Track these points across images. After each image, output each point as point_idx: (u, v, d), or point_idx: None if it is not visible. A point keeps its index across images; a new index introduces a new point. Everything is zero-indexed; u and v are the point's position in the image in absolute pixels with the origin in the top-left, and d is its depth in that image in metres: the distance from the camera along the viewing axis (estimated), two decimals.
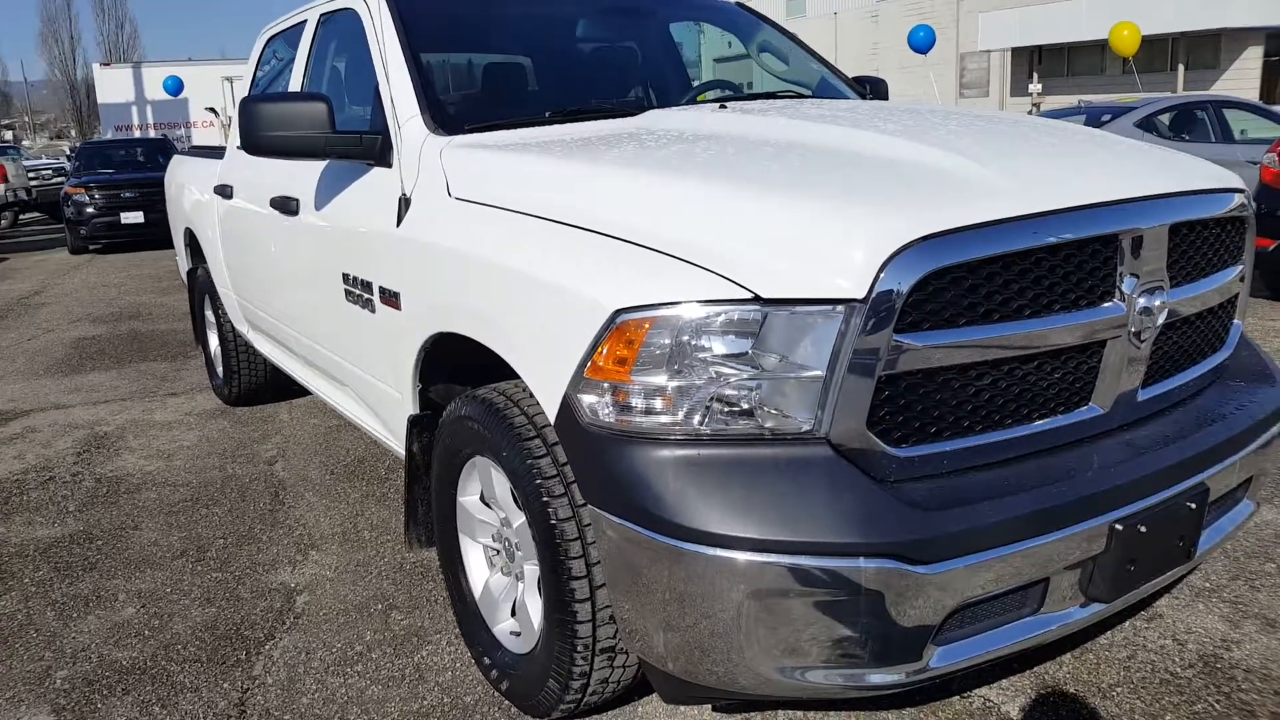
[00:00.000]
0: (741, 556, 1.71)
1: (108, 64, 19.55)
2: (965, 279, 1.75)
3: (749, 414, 1.76)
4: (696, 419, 1.77)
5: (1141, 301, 1.95)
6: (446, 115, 2.78)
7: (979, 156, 1.99)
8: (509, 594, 2.47)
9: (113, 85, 25.22)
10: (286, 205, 3.47)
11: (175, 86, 24.15)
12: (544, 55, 3.43)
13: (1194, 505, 2.04)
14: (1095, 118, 9.79)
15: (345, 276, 3.02)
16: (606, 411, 1.83)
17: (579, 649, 2.08)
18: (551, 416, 1.99)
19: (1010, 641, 1.90)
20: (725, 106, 2.65)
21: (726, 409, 1.76)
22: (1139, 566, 1.98)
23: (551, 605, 2.11)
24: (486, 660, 2.50)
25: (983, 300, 1.78)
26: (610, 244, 1.93)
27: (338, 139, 2.80)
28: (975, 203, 1.80)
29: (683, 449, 1.78)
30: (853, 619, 1.72)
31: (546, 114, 2.83)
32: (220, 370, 5.46)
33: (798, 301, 1.71)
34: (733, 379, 1.75)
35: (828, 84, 3.65)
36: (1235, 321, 2.47)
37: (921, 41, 18.22)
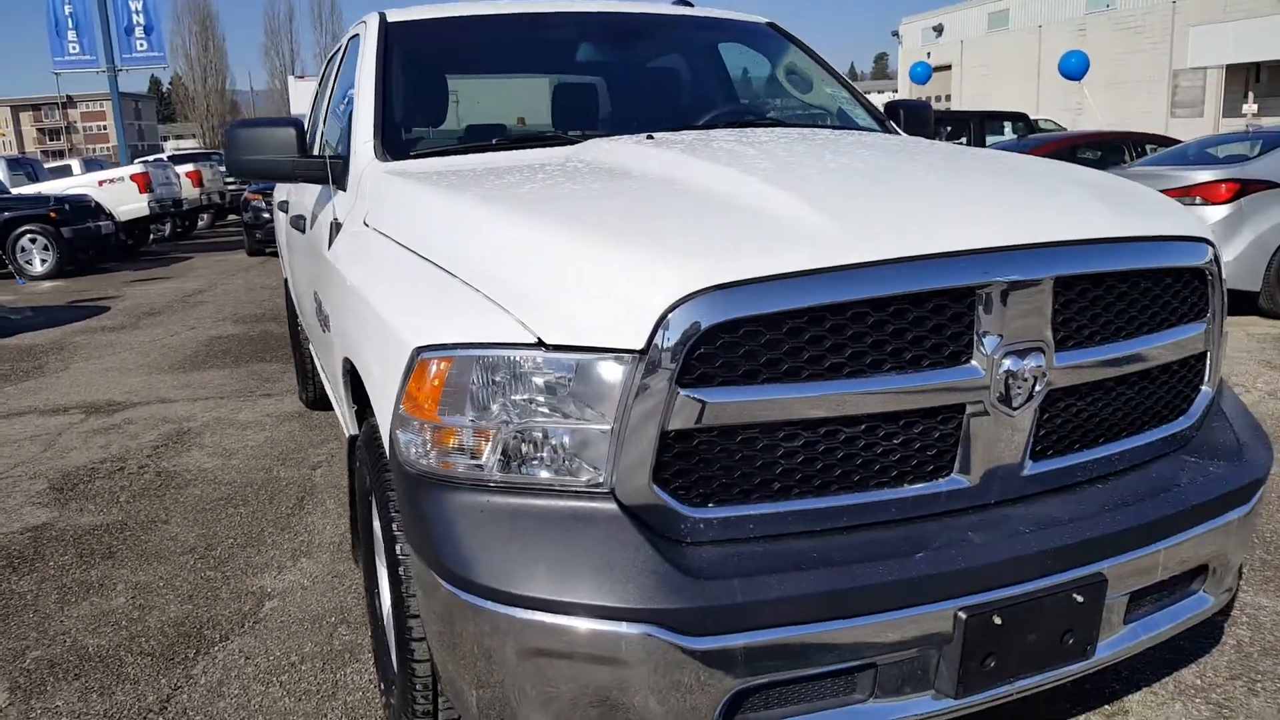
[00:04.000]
0: (513, 613, 1.63)
1: (301, 77, 21.21)
2: (762, 334, 1.61)
3: (539, 464, 1.69)
4: (487, 466, 1.71)
5: (1007, 364, 1.73)
6: (399, 141, 2.84)
7: (821, 199, 1.83)
8: None
9: (303, 96, 27.25)
10: (299, 223, 3.64)
11: None
12: (526, 81, 3.44)
13: (1082, 598, 1.79)
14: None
15: (314, 294, 3.13)
16: (416, 452, 1.80)
17: (418, 687, 2.05)
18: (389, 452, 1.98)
19: None
20: (652, 137, 2.57)
21: (517, 458, 1.70)
22: (1001, 662, 1.76)
23: (397, 640, 2.09)
24: (383, 684, 2.51)
25: (786, 357, 1.63)
26: (443, 280, 1.90)
27: (303, 163, 2.90)
28: (784, 252, 1.65)
29: (472, 495, 1.72)
30: (621, 687, 1.62)
31: (494, 141, 2.83)
32: (297, 374, 5.78)
33: (579, 349, 1.63)
34: (521, 426, 1.68)
35: (841, 112, 3.47)
36: (1203, 388, 2.15)
37: (1073, 68, 17.05)
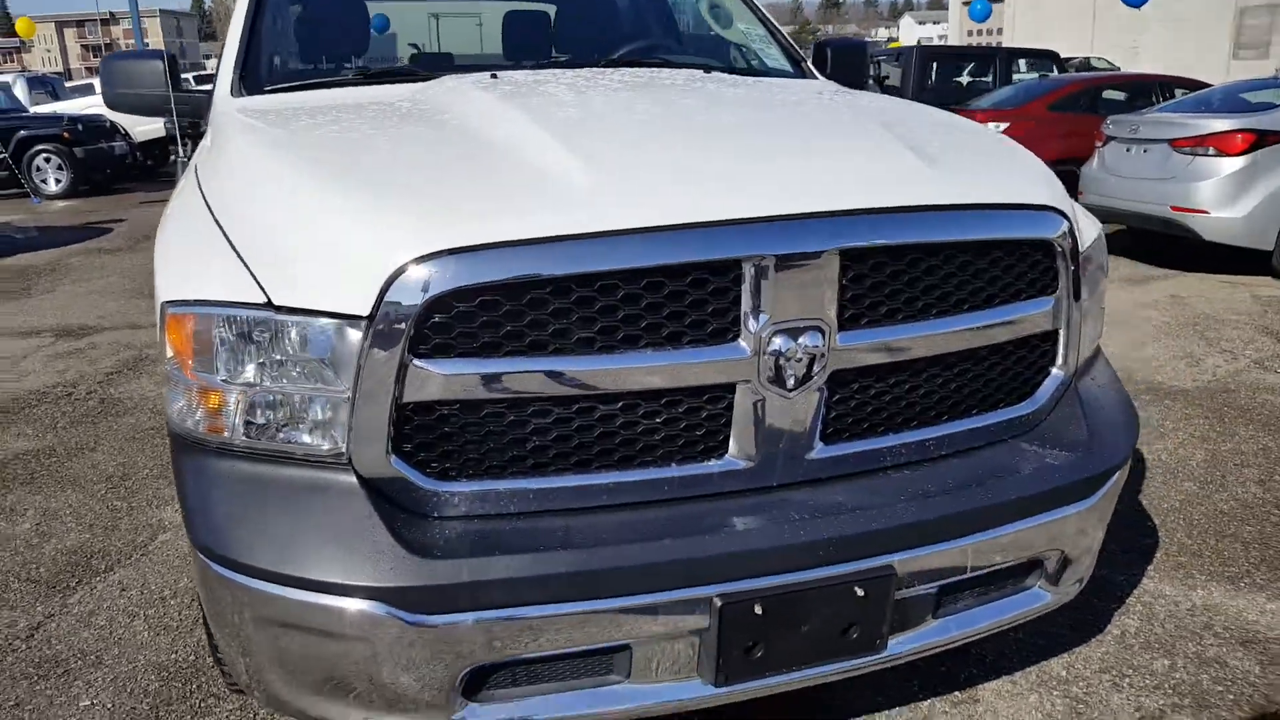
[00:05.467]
0: (249, 583, 1.60)
1: None
2: (502, 303, 1.53)
3: (279, 430, 1.64)
4: (232, 430, 1.66)
5: (777, 344, 1.63)
6: (257, 77, 2.73)
7: (598, 158, 1.72)
8: None
9: None
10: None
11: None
12: (411, 12, 3.31)
13: (864, 591, 1.71)
14: None
15: None
16: (176, 412, 1.75)
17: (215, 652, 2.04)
18: None
19: (583, 709, 1.68)
20: (496, 77, 2.44)
21: (260, 423, 1.64)
22: (770, 652, 1.70)
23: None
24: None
25: (529, 329, 1.55)
26: (211, 233, 1.82)
27: (176, 97, 2.83)
28: (531, 214, 1.56)
29: (217, 459, 1.68)
30: (349, 661, 1.59)
31: (351, 75, 2.72)
32: None
33: (307, 312, 1.56)
34: (262, 390, 1.62)
35: (748, 51, 3.29)
36: (1052, 371, 2.02)
37: None
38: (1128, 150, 7.92)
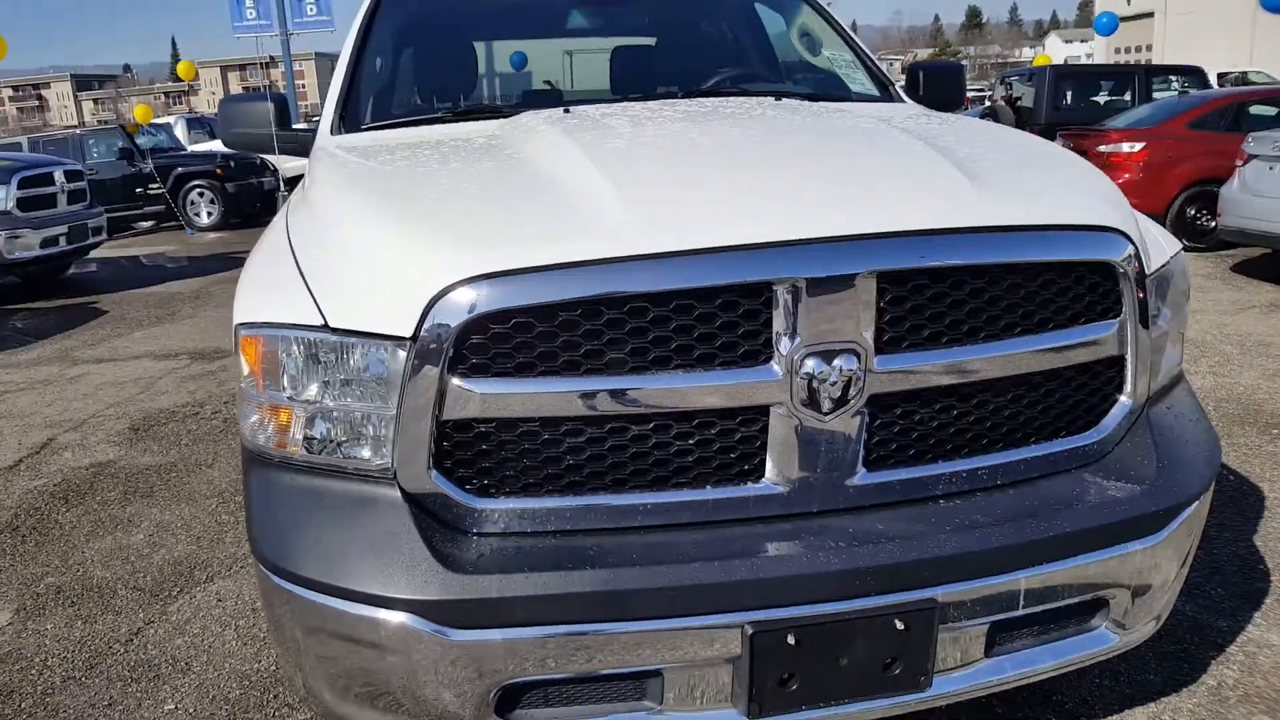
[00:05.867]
0: (296, 591, 1.68)
1: None
2: (534, 325, 1.56)
3: (335, 446, 1.72)
4: (293, 445, 1.75)
5: (809, 366, 1.60)
6: (356, 114, 2.89)
7: (633, 185, 1.73)
8: None
9: None
10: None
11: None
12: (503, 49, 3.42)
13: (904, 625, 1.65)
14: None
15: None
16: (248, 427, 1.85)
17: None
18: None
19: None
20: (569, 111, 2.49)
21: (319, 438, 1.73)
22: (805, 685, 1.66)
23: None
24: None
25: (562, 350, 1.58)
26: (286, 259, 1.93)
27: (281, 135, 3.01)
28: (559, 240, 1.59)
29: (278, 472, 1.77)
30: (387, 673, 1.64)
31: (441, 113, 2.84)
32: None
33: (357, 334, 1.64)
34: (320, 408, 1.71)
35: (832, 77, 3.27)
36: (1120, 399, 1.92)
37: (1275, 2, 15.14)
38: (1270, 169, 7.43)
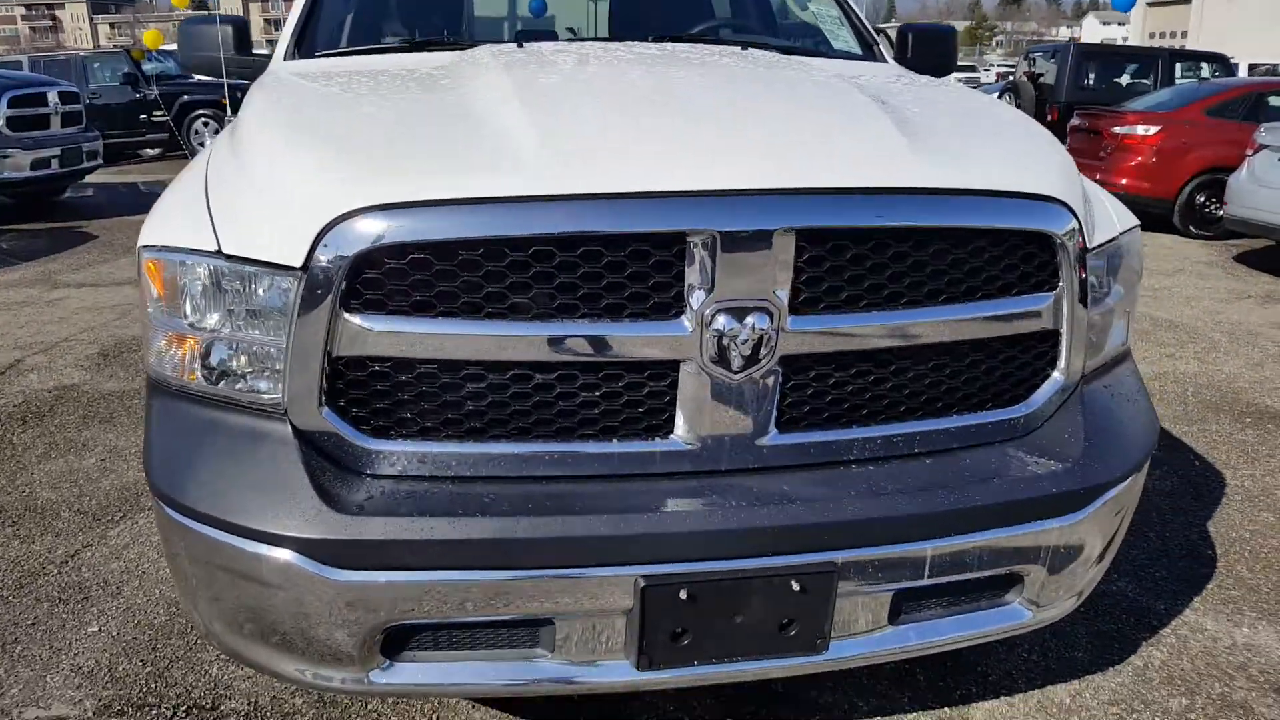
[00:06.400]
0: (188, 523, 1.64)
1: None
2: (433, 262, 1.51)
3: (230, 377, 1.67)
4: (190, 374, 1.71)
5: (720, 323, 1.55)
6: (313, 41, 2.81)
7: (554, 123, 1.67)
8: None
9: None
10: None
11: None
12: None
13: (801, 586, 1.62)
14: None
15: None
16: (150, 354, 1.81)
17: None
18: None
19: (504, 679, 1.66)
20: (522, 46, 2.41)
21: (215, 368, 1.68)
22: (697, 641, 1.63)
23: None
24: None
25: (462, 290, 1.52)
26: (198, 184, 1.87)
27: (235, 60, 2.94)
28: (473, 175, 1.53)
29: (172, 402, 1.73)
30: (275, 610, 1.61)
31: (397, 42, 2.76)
32: None
33: (249, 261, 1.58)
34: (215, 336, 1.66)
35: (816, 32, 3.17)
36: (1053, 374, 1.86)
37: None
38: (1279, 160, 7.29)
